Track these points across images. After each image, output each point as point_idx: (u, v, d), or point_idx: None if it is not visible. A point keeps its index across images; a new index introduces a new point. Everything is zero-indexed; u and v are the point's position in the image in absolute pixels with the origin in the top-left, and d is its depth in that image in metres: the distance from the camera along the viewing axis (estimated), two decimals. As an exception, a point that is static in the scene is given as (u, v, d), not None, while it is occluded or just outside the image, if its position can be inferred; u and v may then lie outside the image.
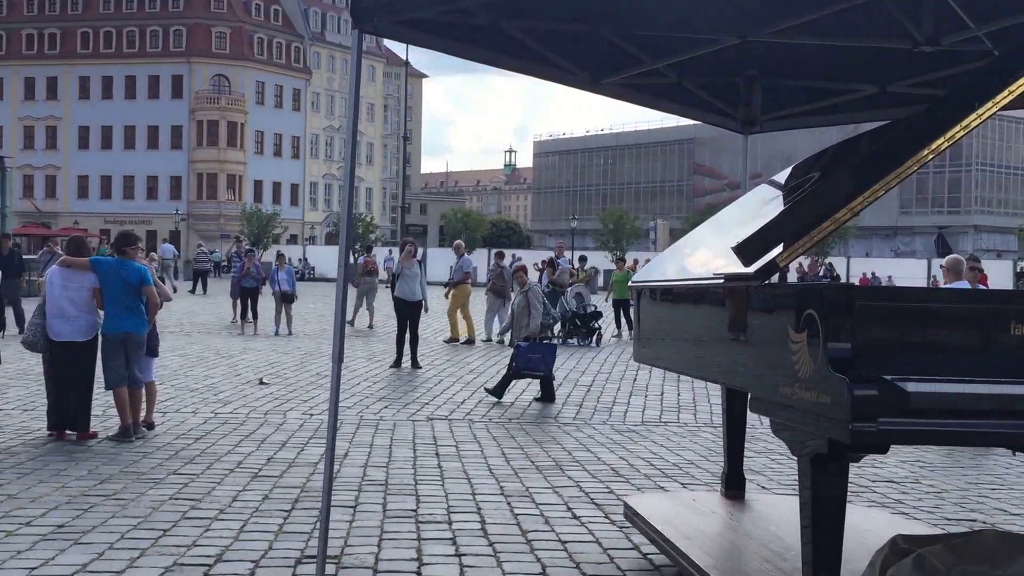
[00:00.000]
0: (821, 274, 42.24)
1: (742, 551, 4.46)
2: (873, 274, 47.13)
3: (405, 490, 6.70)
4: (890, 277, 43.75)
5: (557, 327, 18.60)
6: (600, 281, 40.09)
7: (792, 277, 41.45)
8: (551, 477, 7.23)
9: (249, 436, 8.52)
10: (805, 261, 46.15)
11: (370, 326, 20.60)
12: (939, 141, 3.73)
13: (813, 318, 3.28)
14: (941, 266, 10.25)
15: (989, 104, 3.73)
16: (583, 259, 25.45)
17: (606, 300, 22.29)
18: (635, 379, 13.31)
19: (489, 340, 18.37)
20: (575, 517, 6.09)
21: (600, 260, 52.60)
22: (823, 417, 3.18)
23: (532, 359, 11.22)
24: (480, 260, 34.81)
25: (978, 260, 11.50)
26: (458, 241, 21.61)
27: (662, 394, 12.02)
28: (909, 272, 45.85)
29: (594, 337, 19.23)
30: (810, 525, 3.35)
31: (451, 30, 4.99)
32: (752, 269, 3.79)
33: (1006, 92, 3.72)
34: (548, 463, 7.75)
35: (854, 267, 49.39)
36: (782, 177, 5.54)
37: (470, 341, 18.05)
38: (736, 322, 3.90)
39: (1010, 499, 6.99)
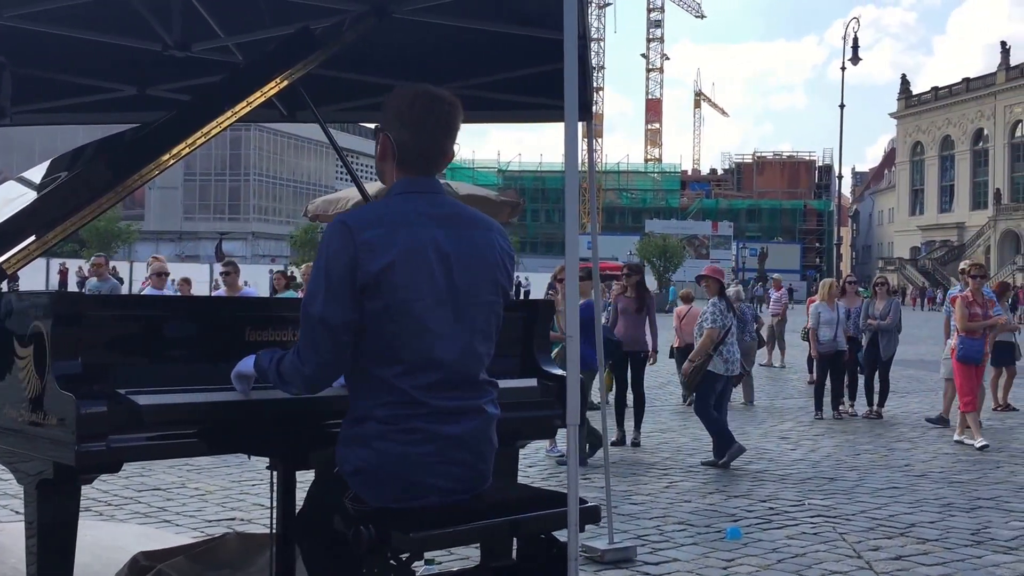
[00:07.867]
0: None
1: (-28, 592, 3.97)
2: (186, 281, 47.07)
3: None
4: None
5: None
6: None
7: (73, 283, 39.50)
8: None
9: None
10: (86, 265, 44.34)
11: None
12: (180, 147, 3.70)
13: (39, 330, 3.00)
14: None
15: (228, 113, 3.79)
16: None
17: None
18: None
19: None
20: None
21: None
22: (49, 440, 2.90)
23: None
24: None
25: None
26: None
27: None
28: (195, 275, 46.37)
29: None
30: (36, 554, 3.03)
31: None
32: (-24, 276, 3.37)
33: (244, 103, 3.81)
34: None
35: (138, 271, 48.58)
36: (35, 173, 5.06)
37: None
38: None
39: (266, 494, 7.28)
